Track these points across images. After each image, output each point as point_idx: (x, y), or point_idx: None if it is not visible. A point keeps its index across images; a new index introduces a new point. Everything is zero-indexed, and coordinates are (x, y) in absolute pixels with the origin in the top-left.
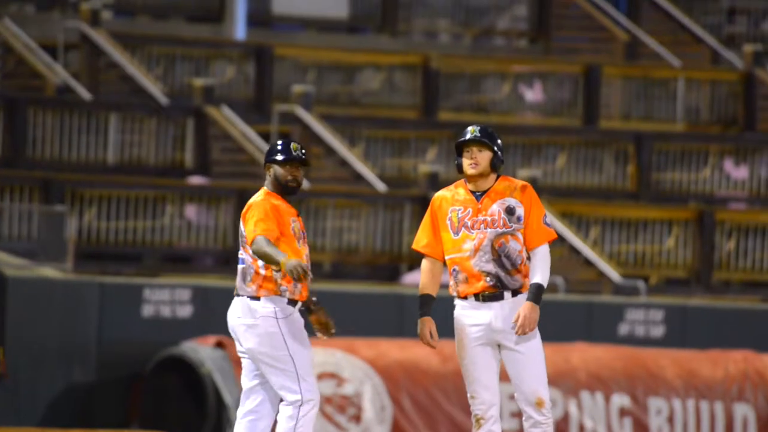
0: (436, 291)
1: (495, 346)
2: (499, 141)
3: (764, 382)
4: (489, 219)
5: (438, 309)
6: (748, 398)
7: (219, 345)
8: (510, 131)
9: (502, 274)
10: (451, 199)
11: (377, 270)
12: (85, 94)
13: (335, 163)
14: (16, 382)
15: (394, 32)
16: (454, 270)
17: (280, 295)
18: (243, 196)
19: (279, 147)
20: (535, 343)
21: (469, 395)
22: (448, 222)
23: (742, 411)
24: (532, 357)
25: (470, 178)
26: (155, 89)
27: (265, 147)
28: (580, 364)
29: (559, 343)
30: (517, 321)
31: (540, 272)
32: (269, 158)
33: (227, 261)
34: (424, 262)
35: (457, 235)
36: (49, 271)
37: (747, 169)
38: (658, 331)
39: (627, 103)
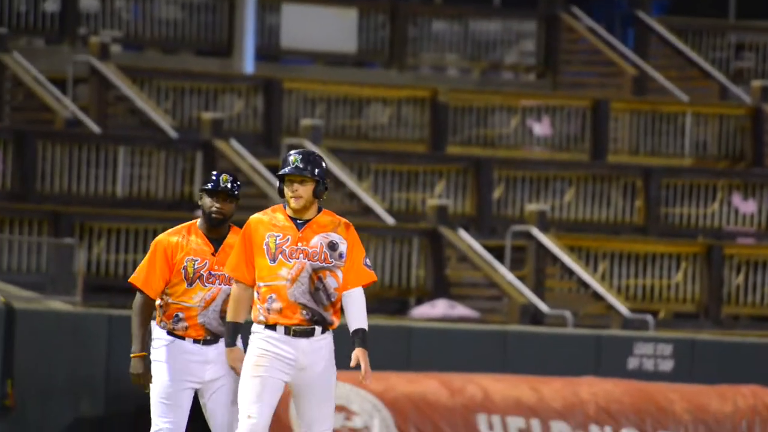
0: (245, 318)
1: (288, 378)
2: (323, 165)
3: None
4: (310, 251)
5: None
6: None
7: None
8: (518, 165)
9: (317, 308)
10: (269, 223)
11: (385, 303)
12: (94, 127)
13: (344, 196)
14: (24, 415)
15: (402, 66)
16: (269, 298)
17: (160, 325)
18: None
19: (211, 177)
20: (332, 381)
21: (245, 415)
22: (265, 247)
23: None
24: (327, 395)
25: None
26: (164, 122)
27: (275, 181)
28: (590, 398)
29: (568, 377)
30: (358, 368)
31: (363, 316)
32: (201, 187)
33: None
34: (235, 288)
35: (274, 262)
36: (58, 304)
37: (755, 203)
38: (666, 365)
39: (635, 137)
